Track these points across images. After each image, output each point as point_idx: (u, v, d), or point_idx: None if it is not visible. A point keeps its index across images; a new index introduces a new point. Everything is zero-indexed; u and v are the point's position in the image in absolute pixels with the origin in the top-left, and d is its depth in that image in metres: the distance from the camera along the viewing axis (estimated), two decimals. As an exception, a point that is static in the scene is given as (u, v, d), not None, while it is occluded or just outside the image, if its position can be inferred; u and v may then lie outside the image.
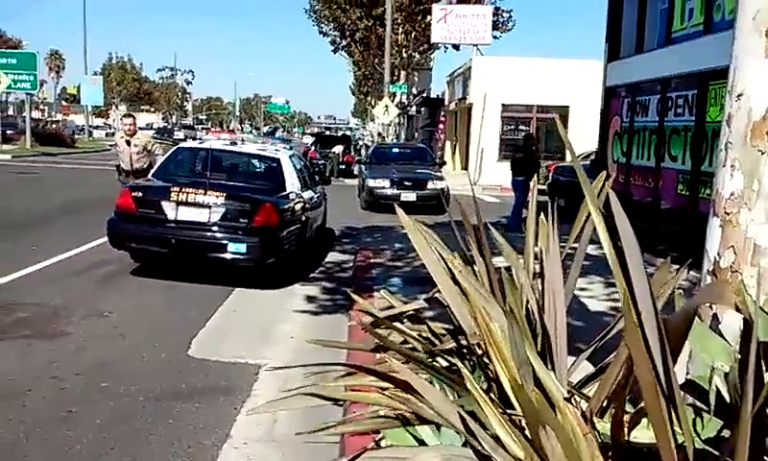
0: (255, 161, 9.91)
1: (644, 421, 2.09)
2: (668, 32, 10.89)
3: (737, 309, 2.16)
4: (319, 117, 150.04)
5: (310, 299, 7.77)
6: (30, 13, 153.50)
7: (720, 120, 2.94)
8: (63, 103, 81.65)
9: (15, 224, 11.94)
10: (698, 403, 2.18)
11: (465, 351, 3.49)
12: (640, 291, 1.62)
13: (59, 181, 21.84)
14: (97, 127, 73.11)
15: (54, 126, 48.65)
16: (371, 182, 17.14)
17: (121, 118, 12.84)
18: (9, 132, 38.20)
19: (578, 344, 3.51)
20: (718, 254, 2.74)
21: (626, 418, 2.26)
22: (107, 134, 64.11)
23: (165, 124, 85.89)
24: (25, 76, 36.26)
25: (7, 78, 33.07)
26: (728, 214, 2.72)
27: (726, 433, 1.99)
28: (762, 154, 2.68)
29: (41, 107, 77.62)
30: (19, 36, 74.22)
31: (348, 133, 65.54)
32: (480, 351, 3.19)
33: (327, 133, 41.55)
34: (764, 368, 2.04)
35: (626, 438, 2.06)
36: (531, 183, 3.92)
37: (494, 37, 34.73)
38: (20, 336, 5.96)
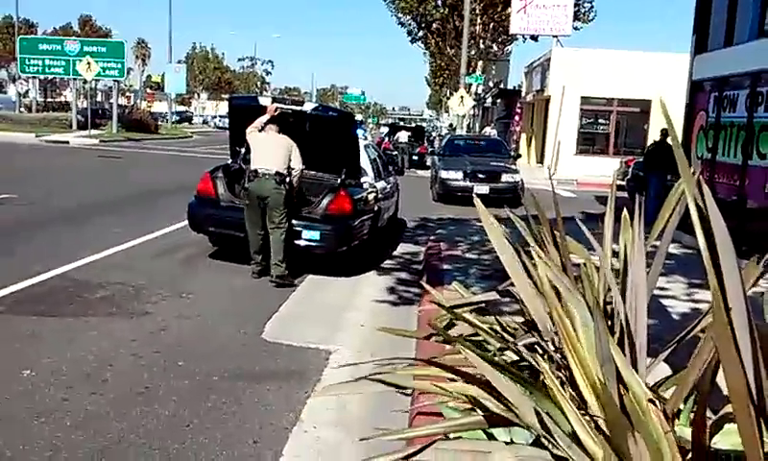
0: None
1: (726, 426, 2.00)
2: (761, 23, 10.38)
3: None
4: (393, 108, 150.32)
5: (381, 288, 7.80)
6: (119, 3, 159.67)
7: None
8: (148, 90, 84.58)
9: (101, 206, 12.47)
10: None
11: (537, 347, 3.43)
12: (733, 293, 1.55)
13: (141, 165, 22.67)
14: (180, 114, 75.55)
15: (141, 112, 50.39)
16: (443, 174, 17.03)
17: None
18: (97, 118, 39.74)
19: (655, 345, 3.40)
20: (812, 257, 2.59)
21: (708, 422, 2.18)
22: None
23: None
24: (113, 64, 37.84)
25: (97, 66, 34.42)
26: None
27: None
28: None
29: (127, 94, 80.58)
30: (109, 25, 77.17)
31: (423, 124, 65.38)
32: (553, 348, 3.13)
33: (402, 123, 41.69)
34: None
35: (708, 443, 1.98)
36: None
37: (575, 28, 33.90)
38: (103, 314, 6.21)
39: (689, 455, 2.07)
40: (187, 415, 4.25)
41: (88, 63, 33.64)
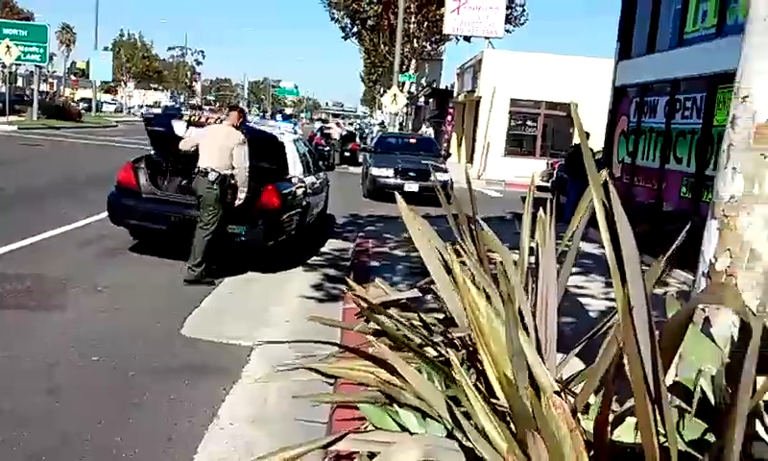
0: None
1: (628, 420, 2.06)
2: (681, 33, 10.78)
3: (737, 313, 2.13)
4: (327, 103, 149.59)
5: (308, 284, 7.74)
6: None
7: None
8: (72, 77, 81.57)
9: (17, 196, 11.94)
10: (683, 405, 2.15)
11: (456, 342, 3.47)
12: (636, 293, 1.59)
13: (62, 154, 21.86)
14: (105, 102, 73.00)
15: (64, 99, 48.59)
16: (374, 171, 17.09)
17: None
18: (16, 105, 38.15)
19: (571, 341, 3.49)
20: (714, 257, 2.70)
21: (611, 417, 2.24)
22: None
23: (173, 103, 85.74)
24: (35, 48, 36.26)
25: (17, 49, 32.97)
26: (726, 217, 2.68)
27: (709, 436, 1.96)
28: (765, 158, 2.64)
29: (50, 80, 77.54)
30: (31, 8, 74.09)
31: (356, 120, 65.33)
32: (470, 344, 3.17)
33: (337, 120, 41.73)
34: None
35: (609, 437, 2.03)
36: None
37: (507, 31, 34.49)
38: (16, 307, 5.95)
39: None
40: (100, 412, 4.12)
41: (8, 47, 32.16)
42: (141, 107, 75.97)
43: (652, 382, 1.65)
